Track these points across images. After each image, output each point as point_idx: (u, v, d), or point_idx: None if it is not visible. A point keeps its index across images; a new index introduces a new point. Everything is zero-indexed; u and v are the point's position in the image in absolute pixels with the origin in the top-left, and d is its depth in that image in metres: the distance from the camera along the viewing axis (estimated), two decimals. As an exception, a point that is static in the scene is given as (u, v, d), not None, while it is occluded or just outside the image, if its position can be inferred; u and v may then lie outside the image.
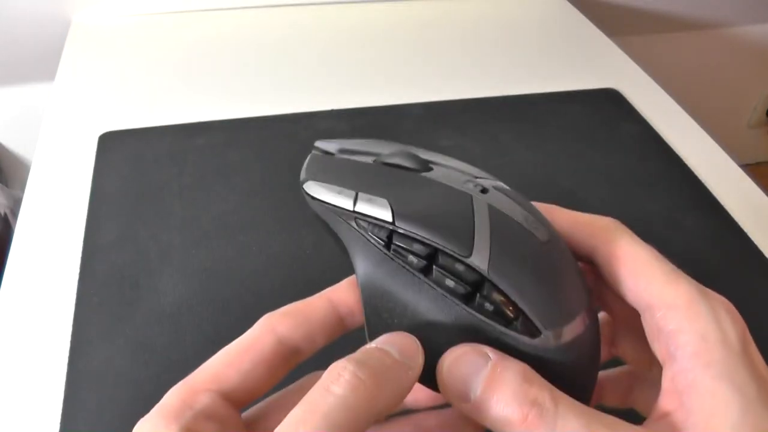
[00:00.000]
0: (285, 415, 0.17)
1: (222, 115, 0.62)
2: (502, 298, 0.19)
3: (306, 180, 0.22)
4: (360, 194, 0.21)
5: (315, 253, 0.48)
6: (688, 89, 0.85)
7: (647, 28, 1.08)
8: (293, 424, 0.16)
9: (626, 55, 0.77)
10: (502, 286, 0.19)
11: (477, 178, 0.22)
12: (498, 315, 0.19)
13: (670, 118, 0.66)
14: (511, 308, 0.19)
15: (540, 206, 0.22)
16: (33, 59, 0.84)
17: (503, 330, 0.19)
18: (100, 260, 0.47)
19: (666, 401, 0.19)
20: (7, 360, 0.41)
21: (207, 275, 0.46)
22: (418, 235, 0.20)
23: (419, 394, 0.22)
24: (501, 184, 0.22)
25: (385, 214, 0.20)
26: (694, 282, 0.20)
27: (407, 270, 0.20)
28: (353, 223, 0.20)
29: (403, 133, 0.61)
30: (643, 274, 0.20)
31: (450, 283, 0.19)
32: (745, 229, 0.52)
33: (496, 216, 0.20)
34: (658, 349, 0.20)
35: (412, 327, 0.20)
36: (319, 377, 0.18)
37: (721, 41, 1.17)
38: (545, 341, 0.19)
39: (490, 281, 0.19)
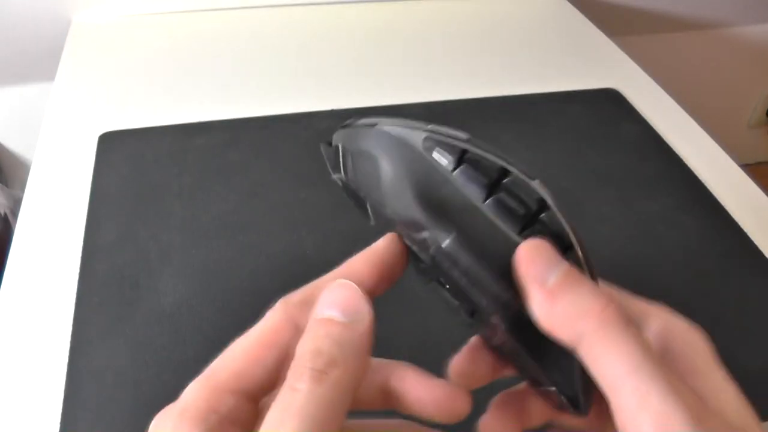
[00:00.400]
0: None
1: (222, 115, 0.62)
2: (561, 227, 0.20)
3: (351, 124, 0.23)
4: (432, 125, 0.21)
5: (315, 253, 0.48)
6: (688, 89, 0.85)
7: (647, 28, 1.08)
8: (272, 428, 0.17)
9: (626, 55, 0.77)
10: (560, 216, 0.20)
11: None
12: (554, 240, 0.20)
13: (670, 118, 0.66)
14: (565, 239, 0.20)
15: None
16: (33, 59, 0.84)
17: None
18: (100, 260, 0.47)
19: None
20: (7, 360, 0.41)
21: (207, 275, 0.46)
22: (489, 156, 0.20)
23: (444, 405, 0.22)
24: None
25: (461, 134, 0.21)
26: None
27: (468, 191, 0.20)
28: (421, 142, 0.21)
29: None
30: (616, 296, 0.22)
31: (512, 203, 0.20)
32: (745, 229, 0.52)
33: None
34: None
35: (471, 238, 0.20)
36: None
37: (721, 41, 1.17)
38: None
39: (551, 209, 0.20)
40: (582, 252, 0.20)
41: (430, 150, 0.21)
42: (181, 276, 0.46)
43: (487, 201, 0.20)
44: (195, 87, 0.67)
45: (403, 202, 0.21)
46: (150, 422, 0.18)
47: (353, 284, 0.20)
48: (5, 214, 0.86)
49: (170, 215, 0.51)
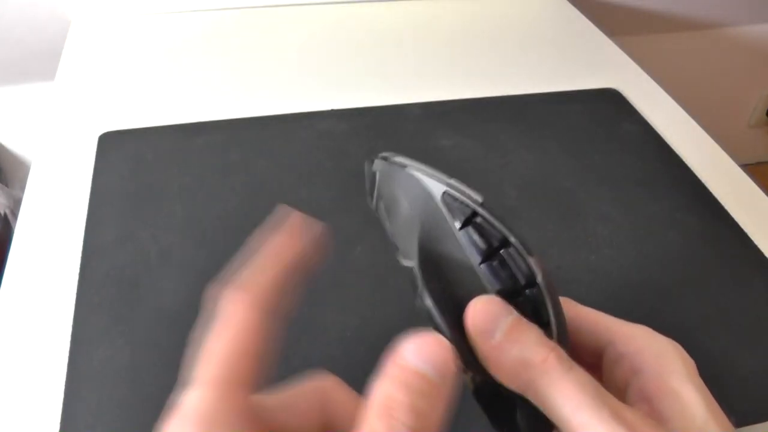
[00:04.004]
0: (292, 417, 0.19)
1: (222, 115, 0.62)
2: (543, 305, 0.21)
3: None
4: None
5: (315, 253, 0.48)
6: (688, 89, 0.85)
7: (647, 28, 1.09)
8: None
9: (626, 55, 0.77)
10: (546, 302, 0.21)
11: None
12: (533, 317, 0.21)
13: (670, 118, 0.66)
14: (544, 317, 0.22)
15: None
16: (33, 59, 0.84)
17: None
18: (99, 260, 0.47)
19: (637, 408, 0.22)
20: (7, 360, 0.41)
21: (207, 275, 0.46)
22: (496, 223, 0.21)
23: None
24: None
25: (476, 197, 0.22)
26: None
27: (468, 251, 0.21)
28: (440, 195, 0.22)
29: (403, 133, 0.61)
30: (603, 320, 0.24)
31: (503, 273, 0.21)
32: (745, 229, 0.52)
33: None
34: (621, 372, 0.23)
35: (457, 292, 0.21)
36: (323, 379, 0.20)
37: (721, 41, 1.17)
38: None
39: (538, 286, 0.21)
40: (558, 330, 0.22)
41: (446, 204, 0.22)
42: (181, 276, 0.46)
43: (482, 265, 0.21)
44: (195, 87, 0.67)
45: (408, 241, 0.23)
46: (150, 422, 0.18)
47: (448, 344, 0.19)
48: (5, 214, 0.86)
49: (170, 215, 0.51)
